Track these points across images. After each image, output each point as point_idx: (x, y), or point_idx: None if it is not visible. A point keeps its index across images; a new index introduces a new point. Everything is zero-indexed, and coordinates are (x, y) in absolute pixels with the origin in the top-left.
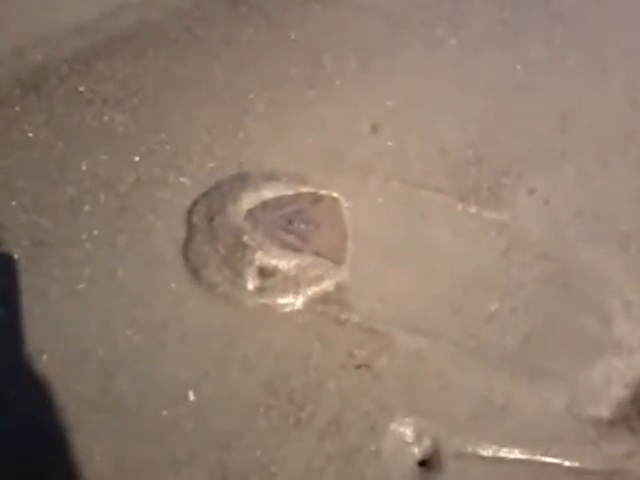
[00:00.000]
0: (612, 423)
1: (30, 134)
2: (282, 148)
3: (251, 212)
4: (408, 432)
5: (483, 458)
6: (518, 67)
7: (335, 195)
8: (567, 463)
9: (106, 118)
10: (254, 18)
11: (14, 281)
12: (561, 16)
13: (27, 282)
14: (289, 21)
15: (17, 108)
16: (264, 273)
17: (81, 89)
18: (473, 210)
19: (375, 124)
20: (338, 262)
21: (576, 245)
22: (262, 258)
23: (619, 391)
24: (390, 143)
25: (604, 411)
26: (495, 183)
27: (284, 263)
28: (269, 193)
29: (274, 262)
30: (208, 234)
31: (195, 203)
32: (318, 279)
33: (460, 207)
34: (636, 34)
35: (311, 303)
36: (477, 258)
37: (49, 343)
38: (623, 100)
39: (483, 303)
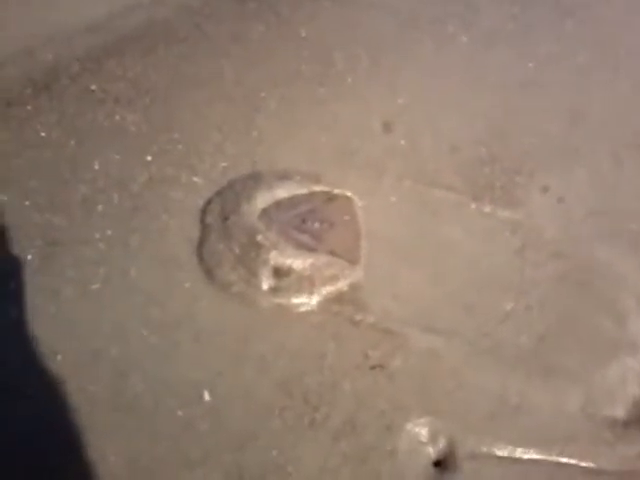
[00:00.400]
0: (627, 423)
1: (42, 133)
2: (294, 146)
3: (265, 211)
4: (423, 432)
5: (498, 458)
6: (529, 64)
7: (348, 194)
8: (582, 463)
9: (118, 117)
10: (264, 15)
11: (27, 281)
12: (571, 12)
13: (40, 282)
14: (299, 18)
15: (29, 107)
16: (278, 273)
17: (93, 88)
18: (487, 209)
19: (387, 122)
20: (352, 261)
21: (590, 243)
22: (276, 258)
23: (635, 390)
24: (402, 141)
25: (619, 411)
26: (508, 181)
27: (298, 262)
28: (282, 192)
29: (288, 262)
30: (222, 233)
31: (208, 202)
32: (333, 279)
33: (474, 206)
34: None
35: (326, 303)
36: (491, 257)
37: (63, 343)
38: (634, 97)
39: (497, 302)
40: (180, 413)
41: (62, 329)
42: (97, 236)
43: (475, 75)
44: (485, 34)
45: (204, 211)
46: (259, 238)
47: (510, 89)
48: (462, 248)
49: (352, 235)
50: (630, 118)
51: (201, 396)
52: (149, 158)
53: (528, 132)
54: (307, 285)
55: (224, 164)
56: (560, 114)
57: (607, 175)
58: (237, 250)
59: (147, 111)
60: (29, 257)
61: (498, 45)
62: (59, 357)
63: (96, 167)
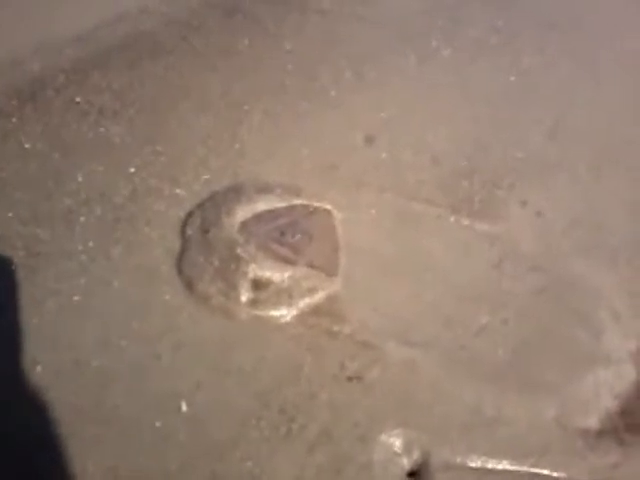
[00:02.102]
0: (600, 434)
1: (27, 145)
2: (276, 160)
3: (245, 224)
4: (398, 443)
5: (472, 469)
6: (511, 77)
7: (328, 207)
8: (555, 474)
9: (102, 129)
10: (250, 28)
11: (11, 292)
12: (555, 24)
13: (23, 293)
14: (285, 31)
15: (14, 119)
16: (257, 285)
17: (78, 100)
18: (465, 222)
19: (369, 135)
20: (330, 274)
21: (568, 257)
22: (255, 270)
23: (608, 402)
24: (384, 154)
25: (593, 422)
26: (487, 195)
27: (277, 275)
28: (263, 205)
29: (267, 274)
30: (202, 246)
31: (190, 215)
32: (311, 291)
33: (452, 219)
34: (630, 41)
35: (303, 315)
36: (469, 270)
37: (44, 354)
38: (617, 109)
39: (474, 315)
40: (158, 424)
41: (44, 340)
42: (80, 248)
43: (458, 88)
44: (468, 47)
45: (185, 223)
46: (238, 251)
47: (492, 102)
48: (440, 261)
49: (331, 248)
50: (611, 131)
51: (179, 407)
52: (132, 170)
53: (509, 145)
54: (285, 297)
55: (206, 176)
56: (541, 127)
57: (586, 189)
58: (217, 263)
59: (131, 123)
60: (13, 268)
61: (481, 58)
62: (40, 368)
63: (80, 179)
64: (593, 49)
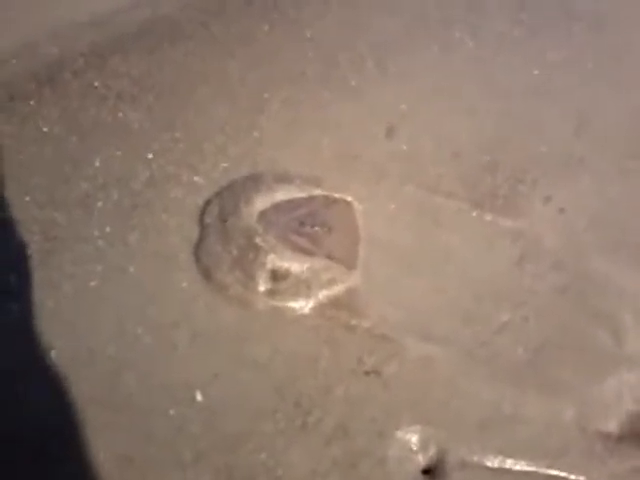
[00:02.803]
0: (620, 439)
1: (45, 129)
2: (296, 149)
3: (264, 214)
4: (414, 440)
5: (488, 468)
6: (535, 71)
7: (348, 198)
8: (572, 476)
9: (120, 114)
10: (270, 15)
11: (27, 276)
12: (580, 18)
13: (40, 278)
14: (305, 19)
15: (32, 102)
16: (276, 276)
17: (96, 84)
18: (488, 217)
19: (390, 126)
20: (350, 266)
21: (591, 255)
22: (274, 261)
23: (629, 406)
24: (405, 146)
25: (613, 426)
26: (510, 190)
27: (296, 266)
28: (282, 195)
29: (286, 265)
30: (220, 235)
31: (208, 203)
32: (330, 283)
33: (474, 214)
34: None
35: (322, 307)
36: (490, 266)
37: (60, 339)
38: None
39: (495, 312)
40: (173, 413)
41: (59, 325)
42: (96, 233)
43: (481, 81)
44: (492, 39)
45: (203, 211)
46: (257, 240)
47: (516, 95)
48: (461, 256)
49: (350, 240)
50: (637, 128)
51: (194, 397)
52: (150, 156)
53: (533, 140)
54: (304, 289)
55: (225, 164)
56: (566, 122)
57: (611, 186)
58: (235, 252)
59: (150, 109)
60: (29, 252)
61: (504, 50)
62: (54, 353)
63: (97, 164)
64: (619, 44)
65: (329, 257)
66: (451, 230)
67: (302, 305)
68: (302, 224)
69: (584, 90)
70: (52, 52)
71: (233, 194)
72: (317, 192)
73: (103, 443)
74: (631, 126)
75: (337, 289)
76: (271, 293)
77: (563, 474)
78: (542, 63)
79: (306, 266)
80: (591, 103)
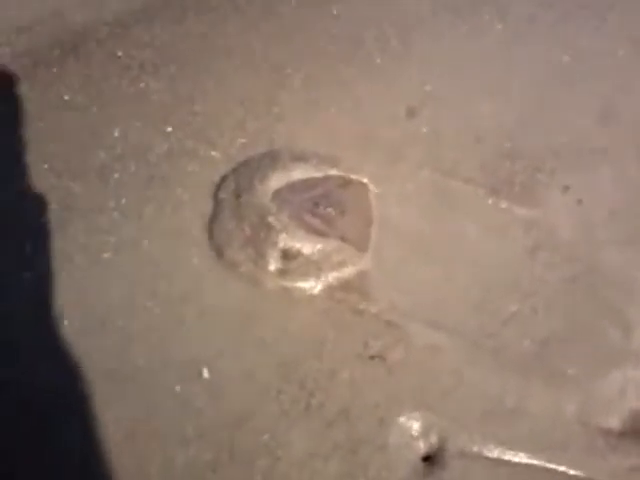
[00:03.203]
0: (622, 435)
1: (66, 97)
2: (315, 127)
3: (278, 192)
4: (415, 426)
5: (487, 459)
6: (564, 57)
7: (364, 180)
8: (572, 471)
9: (142, 85)
10: None
11: (42, 246)
12: (613, 3)
13: (54, 247)
14: None
15: (55, 70)
16: (287, 255)
17: (119, 54)
18: (503, 205)
19: (411, 108)
20: (361, 249)
21: (605, 249)
22: (286, 240)
23: (633, 403)
24: (425, 129)
25: (615, 422)
26: (528, 178)
27: (308, 246)
28: (298, 174)
29: (298, 245)
30: (234, 212)
31: (224, 179)
32: (340, 265)
33: (490, 201)
34: None
35: (331, 289)
36: (502, 255)
37: (71, 309)
38: None
39: (504, 302)
40: (178, 388)
41: (72, 295)
42: (112, 205)
43: (507, 65)
44: (521, 23)
45: (218, 187)
46: (270, 219)
47: (542, 82)
48: (474, 243)
49: (364, 222)
50: None
51: (200, 373)
52: (169, 129)
53: (556, 128)
54: (314, 270)
55: (243, 140)
56: (591, 111)
57: (631, 179)
58: (247, 230)
59: (171, 80)
60: (45, 221)
61: (534, 35)
62: (66, 322)
63: (116, 134)
64: None
65: (341, 239)
66: (465, 217)
67: (312, 286)
68: (316, 204)
69: (613, 79)
70: (77, 20)
71: (249, 171)
72: (333, 172)
73: (109, 415)
74: None
75: (347, 272)
76: (281, 272)
77: (562, 468)
78: (572, 49)
79: (318, 247)
80: (618, 93)
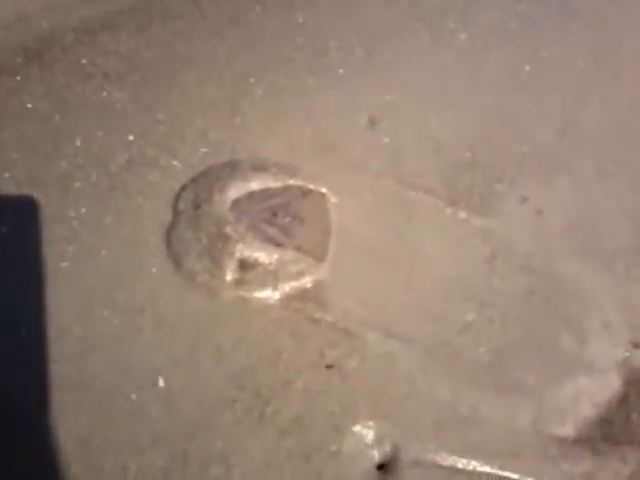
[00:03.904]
0: (575, 442)
1: (29, 105)
2: (276, 137)
3: (237, 202)
4: (370, 435)
5: (441, 467)
6: (526, 67)
7: (323, 190)
8: (524, 478)
9: (105, 93)
10: None
11: (1, 254)
12: (578, 13)
13: (13, 255)
14: (299, 2)
15: (18, 77)
16: (244, 265)
17: (84, 61)
18: (462, 215)
19: (373, 118)
20: (319, 259)
21: (563, 259)
22: (243, 250)
23: (587, 411)
24: (386, 139)
25: (569, 430)
26: (487, 189)
27: (264, 256)
28: (257, 184)
29: (255, 255)
30: (192, 222)
31: (183, 188)
32: (297, 275)
33: (449, 211)
34: None
35: (288, 299)
36: (460, 265)
37: (29, 317)
38: (630, 109)
39: (460, 311)
40: (134, 397)
41: (29, 303)
42: (72, 214)
43: (470, 74)
44: (485, 32)
45: (178, 197)
46: (227, 230)
47: (504, 92)
48: (432, 253)
49: (322, 232)
50: (623, 132)
51: (156, 382)
52: (131, 138)
53: (516, 138)
54: (271, 279)
55: (205, 149)
56: (551, 122)
57: (589, 190)
58: (205, 240)
59: (135, 89)
60: (3, 230)
61: (497, 44)
62: (23, 331)
63: (78, 143)
64: (614, 43)
65: (299, 249)
66: (424, 227)
67: (268, 296)
68: (274, 214)
69: (573, 90)
70: (42, 26)
71: (208, 181)
72: (292, 182)
73: (64, 422)
74: (615, 131)
75: (304, 281)
76: (238, 282)
77: (515, 476)
78: (534, 59)
79: (275, 257)
80: (580, 104)
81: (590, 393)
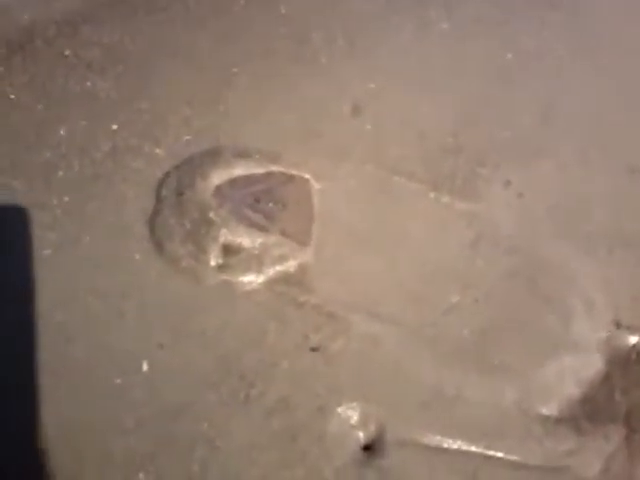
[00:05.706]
0: (559, 421)
1: (12, 96)
2: (260, 124)
3: (219, 188)
4: (355, 416)
5: (426, 447)
6: (508, 55)
7: (307, 176)
8: (509, 457)
9: (88, 84)
10: None
11: None
12: (557, 4)
13: None
14: None
15: (1, 69)
16: (228, 250)
17: (67, 53)
18: (445, 199)
19: (356, 105)
20: (303, 243)
21: (545, 242)
22: (226, 235)
23: (570, 390)
24: (369, 126)
25: (553, 408)
26: (470, 173)
27: (248, 241)
28: (240, 170)
29: (238, 240)
30: (176, 208)
31: (166, 175)
32: (281, 259)
33: (432, 195)
34: (632, 26)
35: (272, 283)
36: (444, 248)
37: (10, 304)
38: (611, 96)
39: (445, 293)
40: (118, 381)
41: (10, 290)
42: (55, 202)
43: (452, 62)
44: (467, 21)
45: (161, 184)
46: (211, 215)
47: (486, 79)
48: (415, 237)
49: (305, 217)
50: (604, 117)
51: (140, 366)
52: (115, 127)
53: (498, 124)
54: (255, 264)
55: (188, 137)
56: (533, 108)
57: (571, 174)
58: (188, 225)
59: (118, 79)
60: None
61: (479, 33)
62: (4, 317)
63: (62, 133)
64: (594, 33)
65: (282, 234)
66: (407, 211)
67: (252, 280)
68: (257, 200)
69: (554, 79)
70: (25, 17)
71: (191, 167)
72: (275, 168)
73: (47, 406)
74: (598, 114)
75: (288, 265)
76: (222, 267)
77: (499, 454)
78: (516, 47)
79: (258, 241)
80: (561, 90)
81: (574, 372)
